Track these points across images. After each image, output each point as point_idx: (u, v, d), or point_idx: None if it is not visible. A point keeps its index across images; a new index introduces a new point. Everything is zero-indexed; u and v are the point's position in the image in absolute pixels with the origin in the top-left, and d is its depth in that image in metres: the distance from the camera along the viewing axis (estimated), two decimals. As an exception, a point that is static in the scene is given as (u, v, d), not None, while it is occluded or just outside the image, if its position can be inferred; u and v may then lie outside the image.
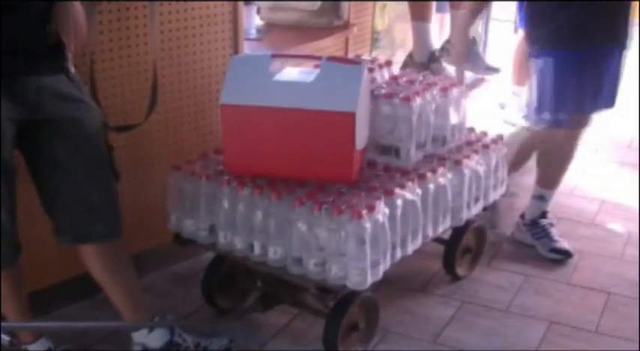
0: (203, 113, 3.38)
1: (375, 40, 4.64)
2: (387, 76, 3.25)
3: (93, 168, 2.56)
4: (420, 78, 3.23)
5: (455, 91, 3.16)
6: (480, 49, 5.96)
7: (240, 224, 2.81)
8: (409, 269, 3.48)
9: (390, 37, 4.85)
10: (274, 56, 2.81)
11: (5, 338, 2.64)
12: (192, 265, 3.50)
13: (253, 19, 4.07)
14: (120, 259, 2.73)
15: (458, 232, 3.37)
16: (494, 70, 5.10)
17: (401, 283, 3.45)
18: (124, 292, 2.75)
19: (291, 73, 2.82)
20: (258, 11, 4.27)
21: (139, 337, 2.79)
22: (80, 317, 3.13)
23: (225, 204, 2.84)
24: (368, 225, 2.60)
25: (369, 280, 2.66)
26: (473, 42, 4.94)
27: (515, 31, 7.06)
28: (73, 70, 2.47)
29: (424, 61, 4.44)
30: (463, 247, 3.47)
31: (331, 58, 2.81)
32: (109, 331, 3.03)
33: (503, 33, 7.17)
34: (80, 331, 3.04)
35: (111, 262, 2.70)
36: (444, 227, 3.12)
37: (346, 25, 4.27)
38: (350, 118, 2.66)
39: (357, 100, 2.67)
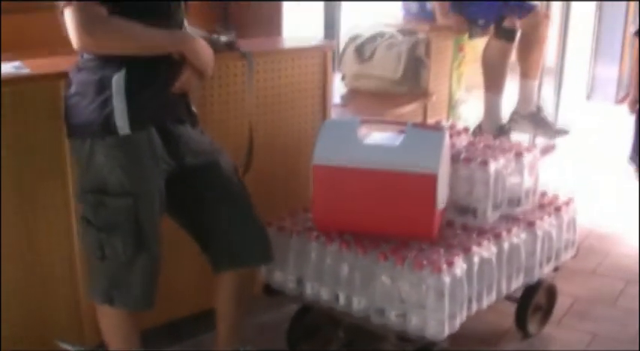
0: (293, 173, 3.55)
1: (452, 108, 4.82)
2: (464, 141, 3.45)
3: (239, 200, 2.83)
4: (497, 143, 3.42)
5: (528, 156, 3.32)
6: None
7: (327, 276, 3.01)
8: (482, 325, 3.61)
9: (466, 105, 5.02)
10: (363, 121, 3.05)
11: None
12: (275, 316, 3.64)
13: (337, 86, 4.30)
14: (248, 289, 2.95)
15: (530, 289, 3.47)
16: (564, 132, 5.26)
17: (474, 337, 3.55)
18: (234, 321, 2.95)
19: (378, 136, 3.03)
20: (343, 78, 4.50)
21: None
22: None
23: (314, 257, 3.04)
24: (447, 279, 2.78)
25: (447, 330, 2.82)
26: (539, 110, 5.11)
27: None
28: None
29: (493, 132, 4.60)
30: (534, 305, 3.56)
31: (415, 124, 3.02)
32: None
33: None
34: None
35: (242, 289, 2.91)
36: (517, 284, 3.25)
37: (425, 93, 4.45)
38: (433, 179, 2.86)
39: (439, 162, 2.87)
